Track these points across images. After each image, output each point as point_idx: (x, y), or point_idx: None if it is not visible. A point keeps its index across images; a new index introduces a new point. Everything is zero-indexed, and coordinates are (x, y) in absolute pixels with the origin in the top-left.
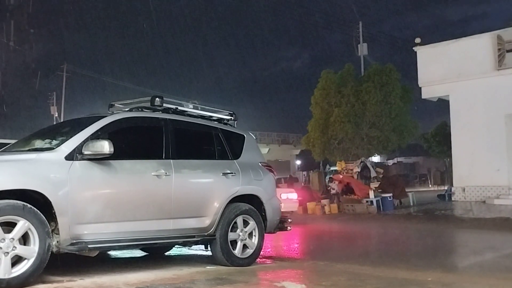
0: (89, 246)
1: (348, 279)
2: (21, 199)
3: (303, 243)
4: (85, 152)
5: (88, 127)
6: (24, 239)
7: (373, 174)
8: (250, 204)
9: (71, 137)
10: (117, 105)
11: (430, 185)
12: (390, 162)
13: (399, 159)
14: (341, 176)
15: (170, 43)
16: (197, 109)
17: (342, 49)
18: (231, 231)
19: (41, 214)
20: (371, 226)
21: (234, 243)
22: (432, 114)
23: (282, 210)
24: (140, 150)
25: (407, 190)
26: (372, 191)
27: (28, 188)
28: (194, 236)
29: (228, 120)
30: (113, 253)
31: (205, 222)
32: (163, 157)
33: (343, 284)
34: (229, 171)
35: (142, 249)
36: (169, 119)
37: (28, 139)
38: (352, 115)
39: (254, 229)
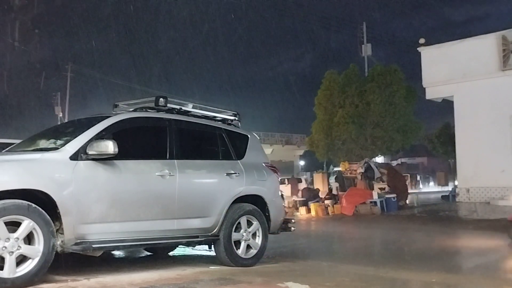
0: (93, 245)
1: (352, 280)
2: (25, 198)
3: (306, 244)
4: (90, 152)
5: (92, 127)
6: (29, 239)
7: (377, 174)
8: (253, 204)
9: (75, 137)
10: (121, 105)
11: (434, 186)
12: (394, 163)
13: (403, 159)
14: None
15: (173, 43)
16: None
17: (346, 49)
18: (234, 231)
19: (46, 214)
20: (375, 227)
21: (237, 243)
22: (436, 115)
23: None
24: (144, 150)
25: (410, 191)
26: (376, 192)
27: (33, 188)
28: (198, 236)
29: (232, 120)
30: (117, 253)
31: (209, 222)
32: (167, 157)
33: (347, 285)
34: (233, 172)
35: (146, 249)
36: (173, 119)
37: (33, 139)
38: (356, 115)
39: (258, 230)
